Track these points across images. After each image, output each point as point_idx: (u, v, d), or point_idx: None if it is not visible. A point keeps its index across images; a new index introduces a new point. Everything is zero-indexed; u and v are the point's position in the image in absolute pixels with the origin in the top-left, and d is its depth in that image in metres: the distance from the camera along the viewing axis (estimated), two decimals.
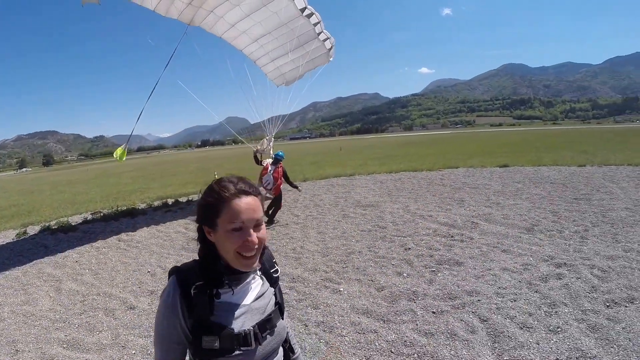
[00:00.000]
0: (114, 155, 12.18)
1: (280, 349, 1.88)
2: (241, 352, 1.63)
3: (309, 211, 12.87)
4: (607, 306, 5.58)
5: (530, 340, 4.87)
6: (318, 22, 14.34)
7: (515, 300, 5.88)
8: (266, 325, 1.74)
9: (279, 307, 1.87)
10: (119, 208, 15.98)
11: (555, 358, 4.51)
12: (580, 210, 10.97)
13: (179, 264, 1.74)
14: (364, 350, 4.79)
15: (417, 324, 5.33)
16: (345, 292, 6.43)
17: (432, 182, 17.24)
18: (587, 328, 5.07)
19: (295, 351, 2.08)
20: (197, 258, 1.76)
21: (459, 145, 49.51)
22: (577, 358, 4.48)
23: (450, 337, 5.03)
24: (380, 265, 7.57)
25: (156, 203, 17.08)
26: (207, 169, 37.25)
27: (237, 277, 1.72)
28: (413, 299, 6.09)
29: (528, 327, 5.16)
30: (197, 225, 1.73)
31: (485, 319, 5.42)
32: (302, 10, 13.49)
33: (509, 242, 8.57)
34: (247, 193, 1.64)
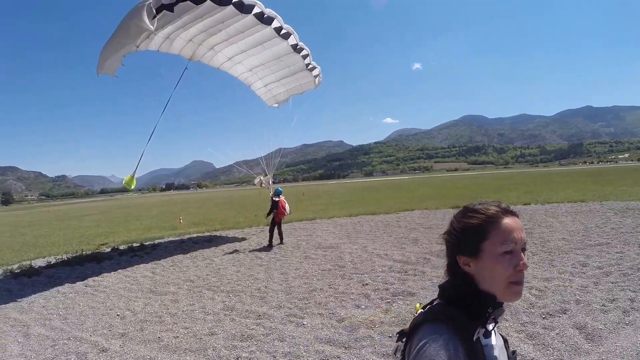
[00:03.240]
0: (124, 184, 12.62)
1: None
2: None
3: (272, 254, 13.27)
4: (543, 318, 6.31)
5: None
6: (307, 55, 15.66)
7: None
8: None
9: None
10: (83, 252, 15.75)
11: None
12: None
13: (425, 312, 1.48)
14: None
15: (375, 348, 5.84)
16: (309, 325, 6.88)
17: (388, 224, 17.95)
18: (526, 337, 5.76)
19: None
20: (436, 302, 1.52)
21: (415, 189, 50.71)
22: None
23: None
24: (340, 300, 8.07)
25: (122, 247, 16.90)
26: (171, 213, 36.84)
27: (501, 310, 1.46)
28: (371, 327, 6.61)
29: None
30: (450, 257, 1.53)
31: None
32: (294, 47, 14.79)
33: None
34: (512, 213, 1.47)
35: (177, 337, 6.89)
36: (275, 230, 15.18)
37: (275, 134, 18.12)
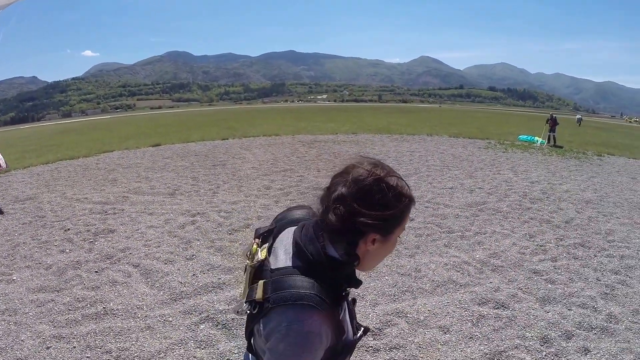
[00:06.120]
0: None
1: None
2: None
3: None
4: (230, 233, 7.60)
5: (173, 269, 6.45)
6: None
7: (159, 246, 7.48)
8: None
9: None
10: None
11: (192, 274, 6.16)
12: (215, 173, 13.28)
13: (302, 290, 1.25)
14: (47, 316, 5.49)
15: (84, 284, 6.29)
16: (18, 279, 6.83)
17: (88, 168, 17.43)
18: (215, 250, 6.92)
19: None
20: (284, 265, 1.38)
21: (117, 129, 49.23)
22: (208, 270, 6.28)
23: (112, 284, 6.18)
24: (45, 249, 8.05)
25: None
26: None
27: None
28: (77, 267, 6.99)
29: (171, 261, 6.75)
30: (354, 232, 1.30)
31: (137, 264, 6.79)
32: None
33: (154, 207, 10.20)
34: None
35: None
36: None
37: None
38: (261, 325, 1.31)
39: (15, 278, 6.94)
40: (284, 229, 1.56)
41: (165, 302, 5.53)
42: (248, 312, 1.36)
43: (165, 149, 20.94)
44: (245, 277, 1.47)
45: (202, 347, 4.57)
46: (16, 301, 6.07)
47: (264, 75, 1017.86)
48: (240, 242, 7.14)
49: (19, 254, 8.08)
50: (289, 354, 1.23)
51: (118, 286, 6.13)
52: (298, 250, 1.38)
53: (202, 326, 4.91)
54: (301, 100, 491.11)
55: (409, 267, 6.43)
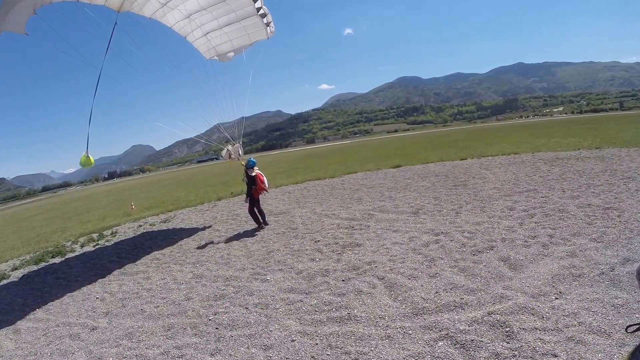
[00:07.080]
0: (81, 164, 10.92)
1: None
2: None
3: (228, 225, 13.91)
4: (473, 254, 7.35)
5: (416, 285, 6.45)
6: None
7: (403, 262, 7.57)
8: None
9: None
10: (46, 249, 15.43)
11: (435, 291, 6.09)
12: (457, 193, 13.05)
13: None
14: (295, 314, 6.10)
15: (331, 290, 6.73)
16: (272, 279, 7.73)
17: (334, 187, 18.80)
18: (458, 270, 6.75)
19: None
20: None
21: (358, 152, 51.64)
22: (451, 289, 6.09)
23: (357, 293, 6.46)
24: (297, 257, 8.94)
25: (81, 240, 16.57)
26: (121, 200, 35.85)
27: None
28: (326, 275, 7.51)
29: (414, 277, 6.77)
30: None
31: (382, 277, 6.98)
32: None
33: (399, 224, 10.35)
34: None
35: (158, 306, 7.50)
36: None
37: (233, 98, 14.88)
38: None
39: (269, 278, 7.85)
40: None
41: (406, 315, 5.56)
42: None
43: (406, 170, 21.47)
44: None
45: None
46: (268, 297, 6.88)
47: (495, 92, 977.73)
48: (485, 264, 6.89)
49: (273, 258, 9.01)
50: None
51: (363, 295, 6.38)
52: None
53: (440, 343, 4.81)
54: (536, 115, 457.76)
55: None
